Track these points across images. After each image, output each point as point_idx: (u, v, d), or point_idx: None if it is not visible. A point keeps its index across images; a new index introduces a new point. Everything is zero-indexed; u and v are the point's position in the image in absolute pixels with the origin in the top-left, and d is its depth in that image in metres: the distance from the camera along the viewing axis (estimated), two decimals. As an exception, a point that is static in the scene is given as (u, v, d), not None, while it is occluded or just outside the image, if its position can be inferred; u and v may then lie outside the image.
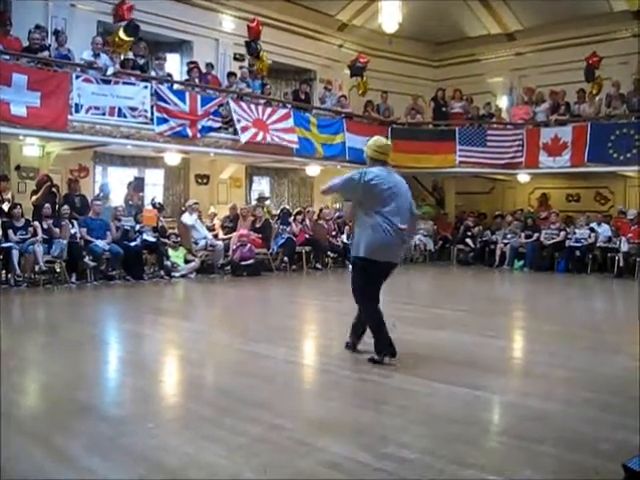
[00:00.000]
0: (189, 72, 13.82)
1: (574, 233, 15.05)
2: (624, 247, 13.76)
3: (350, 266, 6.15)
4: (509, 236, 15.95)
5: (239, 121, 13.46)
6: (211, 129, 13.22)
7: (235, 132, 13.72)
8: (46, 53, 11.51)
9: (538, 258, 15.24)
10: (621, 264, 13.75)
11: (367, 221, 5.66)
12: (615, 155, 14.57)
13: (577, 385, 5.12)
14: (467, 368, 5.56)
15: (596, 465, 3.42)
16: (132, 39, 12.61)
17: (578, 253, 14.74)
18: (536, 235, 15.52)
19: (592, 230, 14.82)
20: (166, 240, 12.85)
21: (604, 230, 14.72)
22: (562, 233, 15.18)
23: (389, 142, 6.10)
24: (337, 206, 17.27)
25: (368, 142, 5.98)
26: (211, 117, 13.18)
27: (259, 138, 13.64)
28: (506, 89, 18.59)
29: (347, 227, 15.90)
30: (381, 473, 3.36)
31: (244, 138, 13.43)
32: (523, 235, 15.76)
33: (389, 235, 5.60)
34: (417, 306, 9.73)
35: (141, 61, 12.92)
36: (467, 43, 19.04)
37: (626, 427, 3.97)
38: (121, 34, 12.36)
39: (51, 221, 11.15)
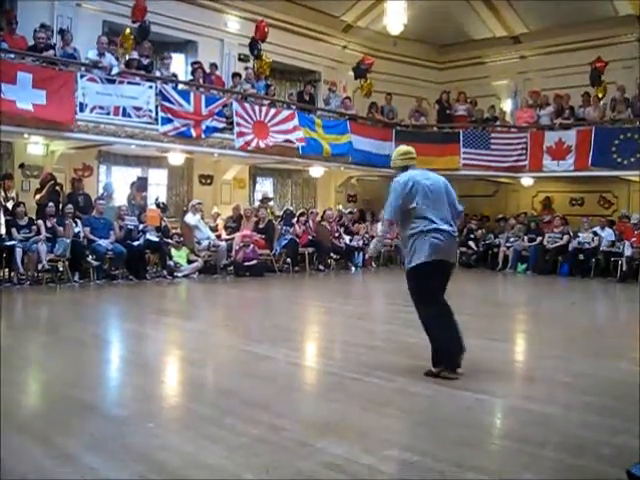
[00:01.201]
0: (193, 72, 13.84)
1: (577, 237, 15.03)
2: (627, 251, 13.73)
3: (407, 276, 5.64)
4: (512, 239, 15.93)
5: (238, 125, 13.46)
6: (215, 129, 13.24)
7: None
8: (51, 52, 11.54)
9: (541, 262, 15.22)
10: (624, 268, 13.71)
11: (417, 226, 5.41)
12: (619, 159, 14.56)
13: (579, 389, 5.11)
14: (469, 371, 5.54)
15: (597, 470, 3.41)
16: (140, 40, 12.65)
17: (581, 257, 14.72)
18: (539, 239, 15.49)
19: (595, 234, 14.79)
20: (169, 240, 12.86)
21: (607, 234, 14.69)
22: (565, 237, 15.16)
23: (410, 148, 5.96)
24: (340, 208, 17.29)
25: (393, 155, 5.97)
26: (215, 117, 13.19)
27: (253, 145, 13.65)
28: (511, 92, 18.56)
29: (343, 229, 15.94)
30: (383, 475, 3.36)
31: (238, 144, 13.49)
32: (526, 238, 15.74)
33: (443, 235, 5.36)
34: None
35: (146, 61, 12.93)
36: (472, 46, 19.04)
37: (628, 432, 3.96)
38: (128, 33, 12.40)
39: (55, 220, 11.17)
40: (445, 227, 5.40)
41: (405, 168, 5.76)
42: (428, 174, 5.74)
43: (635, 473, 1.65)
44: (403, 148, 5.96)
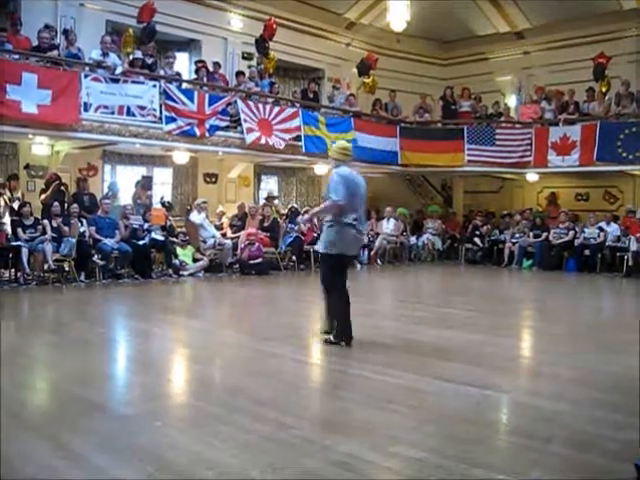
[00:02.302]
0: (197, 71, 13.85)
1: (583, 232, 15.00)
2: (633, 246, 13.70)
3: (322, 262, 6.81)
4: (517, 235, 15.91)
5: (245, 121, 13.51)
6: (219, 128, 13.25)
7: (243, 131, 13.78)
8: (55, 52, 11.57)
9: (547, 257, 15.19)
10: (630, 263, 13.69)
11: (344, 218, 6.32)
12: (624, 154, 14.51)
13: (586, 385, 5.11)
14: (476, 367, 5.56)
15: (605, 465, 3.41)
16: (147, 40, 12.68)
17: (587, 252, 14.69)
18: (545, 234, 15.48)
19: (601, 229, 14.76)
20: (174, 239, 12.87)
21: (613, 229, 14.66)
22: (571, 232, 15.13)
23: (349, 145, 6.85)
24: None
25: (334, 147, 6.74)
26: (219, 116, 13.20)
27: (262, 142, 13.72)
28: (515, 88, 18.54)
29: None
30: (389, 472, 3.37)
31: (249, 139, 13.52)
32: (532, 234, 15.72)
33: (356, 230, 6.42)
34: (426, 305, 9.73)
35: (150, 60, 12.94)
36: (475, 42, 19.01)
37: (635, 427, 3.95)
38: (129, 34, 12.42)
39: (60, 219, 11.19)
40: (359, 226, 6.44)
41: (340, 162, 6.54)
42: (358, 175, 6.61)
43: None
44: (345, 144, 6.83)
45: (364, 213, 6.71)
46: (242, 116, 13.48)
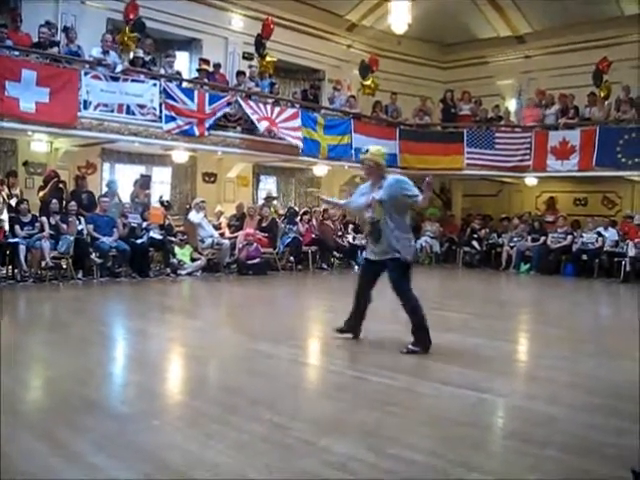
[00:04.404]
0: (199, 70, 13.85)
1: (581, 237, 15.01)
2: (631, 252, 13.69)
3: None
4: (515, 239, 15.92)
5: (253, 114, 13.51)
6: (217, 126, 13.24)
7: (243, 131, 13.79)
8: (55, 49, 11.56)
9: (544, 262, 15.20)
10: (628, 269, 13.69)
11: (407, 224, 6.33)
12: (623, 159, 14.53)
13: (583, 389, 5.10)
14: (473, 370, 5.55)
15: (602, 470, 3.40)
16: (138, 36, 12.63)
17: (585, 257, 14.70)
18: (543, 238, 15.48)
19: (599, 234, 14.76)
20: (173, 238, 12.86)
21: (611, 234, 14.66)
22: (569, 237, 15.15)
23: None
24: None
25: (374, 152, 6.53)
26: (219, 116, 13.19)
27: (275, 129, 13.78)
28: (515, 92, 18.54)
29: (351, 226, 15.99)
30: (386, 474, 3.36)
31: (262, 127, 13.57)
32: (530, 238, 15.73)
33: None
34: (423, 308, 9.69)
35: (147, 58, 12.91)
36: (476, 45, 19.03)
37: (632, 432, 3.95)
38: (127, 32, 12.40)
39: (58, 217, 11.19)
40: None
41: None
42: None
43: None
44: (381, 148, 6.73)
45: None
46: (248, 111, 13.50)
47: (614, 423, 4.23)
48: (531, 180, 16.85)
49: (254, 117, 13.52)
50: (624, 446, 3.73)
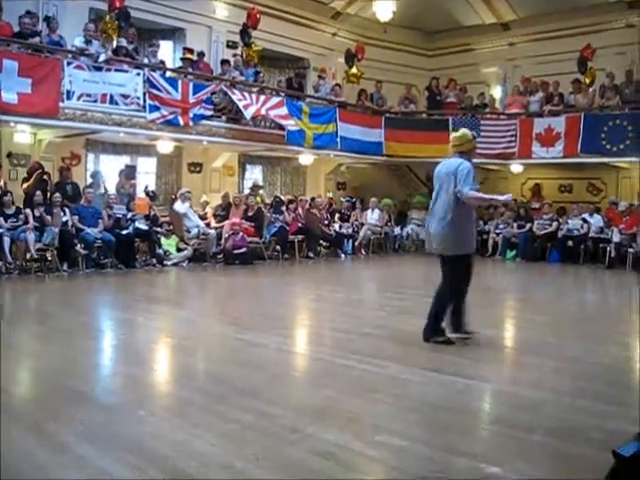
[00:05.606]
0: (183, 59, 13.77)
1: (566, 223, 15.09)
2: (616, 238, 13.78)
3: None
4: (501, 226, 15.97)
5: (240, 100, 13.46)
6: (203, 117, 13.18)
7: (228, 120, 13.74)
8: (37, 39, 11.42)
9: (530, 248, 15.27)
10: (613, 255, 13.77)
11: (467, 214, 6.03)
12: (608, 146, 14.58)
13: (569, 375, 5.14)
14: (459, 357, 5.58)
15: (587, 454, 3.43)
16: (121, 25, 12.50)
17: (570, 243, 14.78)
18: (529, 225, 15.54)
19: (584, 221, 14.85)
20: (158, 228, 12.81)
21: (596, 221, 14.75)
22: (554, 224, 15.22)
23: (460, 134, 6.29)
24: (330, 195, 17.32)
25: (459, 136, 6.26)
26: (203, 105, 13.12)
27: (263, 112, 13.78)
28: (500, 79, 18.55)
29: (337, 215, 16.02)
30: (372, 461, 3.37)
31: (249, 114, 13.50)
32: (515, 225, 15.79)
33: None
34: (409, 295, 9.74)
35: (130, 46, 12.79)
36: (461, 32, 18.98)
37: (616, 416, 3.99)
38: (109, 20, 12.27)
39: (43, 209, 11.09)
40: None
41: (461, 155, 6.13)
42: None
43: (621, 453, 1.66)
44: (455, 133, 6.33)
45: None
46: (235, 97, 13.44)
47: (599, 407, 4.26)
48: (516, 167, 16.88)
49: (241, 104, 13.46)
50: (608, 429, 3.76)
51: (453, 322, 6.14)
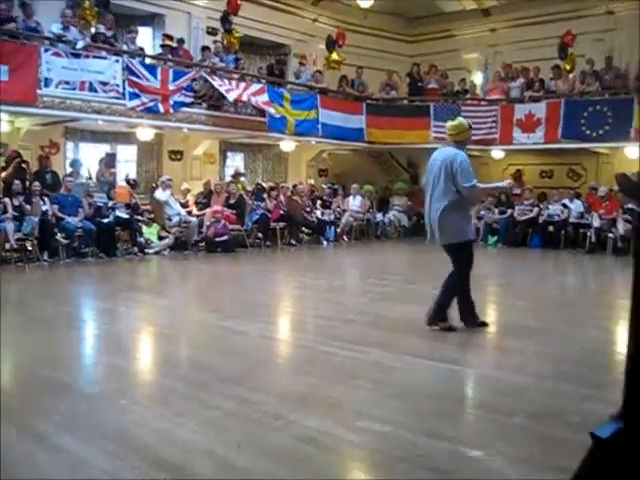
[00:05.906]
0: (162, 46, 13.65)
1: (547, 209, 15.18)
2: (596, 223, 13.89)
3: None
4: (483, 212, 16.01)
5: (221, 86, 13.39)
6: (183, 104, 13.08)
7: (209, 107, 13.65)
8: (13, 25, 11.24)
9: (511, 234, 15.34)
10: (593, 240, 13.88)
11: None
12: (588, 132, 14.66)
13: (550, 359, 5.18)
14: (442, 343, 5.60)
15: (566, 436, 3.45)
16: (100, 11, 12.36)
17: (551, 229, 14.88)
18: (510, 211, 15.62)
19: (565, 206, 14.94)
20: (139, 217, 12.73)
21: (576, 206, 14.85)
22: (535, 209, 15.31)
23: (456, 123, 6.71)
24: (312, 182, 17.29)
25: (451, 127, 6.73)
26: (183, 92, 13.03)
27: (245, 98, 13.73)
28: (481, 65, 18.57)
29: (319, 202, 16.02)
30: (355, 447, 3.38)
31: (231, 97, 13.47)
32: (497, 211, 15.86)
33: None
34: (392, 281, 9.76)
35: (108, 33, 12.65)
36: (442, 18, 18.96)
37: (596, 399, 4.02)
38: (88, 6, 12.11)
39: (22, 198, 10.96)
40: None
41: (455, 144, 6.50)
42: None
43: (598, 435, 1.68)
44: (451, 122, 6.69)
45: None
46: (215, 84, 13.37)
47: (580, 390, 4.30)
48: (498, 153, 16.94)
49: (222, 89, 13.38)
50: (588, 412, 3.78)
51: (462, 310, 6.18)
